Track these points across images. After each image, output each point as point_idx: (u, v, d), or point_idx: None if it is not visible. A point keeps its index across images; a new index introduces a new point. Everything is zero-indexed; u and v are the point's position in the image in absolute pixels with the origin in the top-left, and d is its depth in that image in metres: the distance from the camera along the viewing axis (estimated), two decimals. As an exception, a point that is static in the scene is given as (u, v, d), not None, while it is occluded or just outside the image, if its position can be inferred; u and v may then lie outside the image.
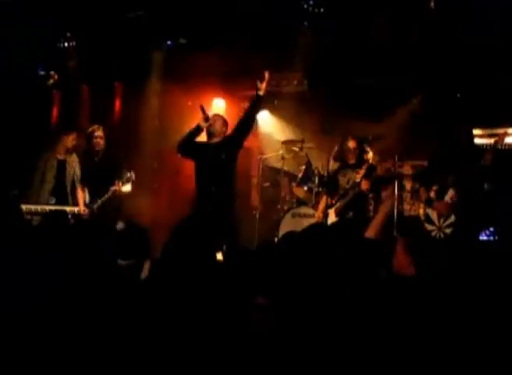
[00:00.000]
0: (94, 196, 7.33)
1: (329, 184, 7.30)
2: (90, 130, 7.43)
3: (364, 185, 6.76)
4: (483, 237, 6.40)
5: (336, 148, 7.23)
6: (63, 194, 7.87)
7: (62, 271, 2.65)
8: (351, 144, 7.09)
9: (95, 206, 7.27)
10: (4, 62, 9.49)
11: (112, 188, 7.17)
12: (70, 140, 7.99)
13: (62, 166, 7.99)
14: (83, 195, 7.56)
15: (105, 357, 2.24)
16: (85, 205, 7.44)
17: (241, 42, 8.67)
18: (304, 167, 8.63)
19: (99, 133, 7.39)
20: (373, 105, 8.67)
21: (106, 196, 7.21)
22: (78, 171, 7.88)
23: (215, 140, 6.31)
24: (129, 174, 7.23)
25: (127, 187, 7.28)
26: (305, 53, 8.47)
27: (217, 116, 6.55)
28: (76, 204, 7.58)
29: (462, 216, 5.62)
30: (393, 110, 8.59)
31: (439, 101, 8.31)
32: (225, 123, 6.41)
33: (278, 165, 8.93)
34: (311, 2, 8.05)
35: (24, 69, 9.96)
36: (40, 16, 8.95)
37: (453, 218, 5.67)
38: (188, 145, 6.33)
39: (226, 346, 2.54)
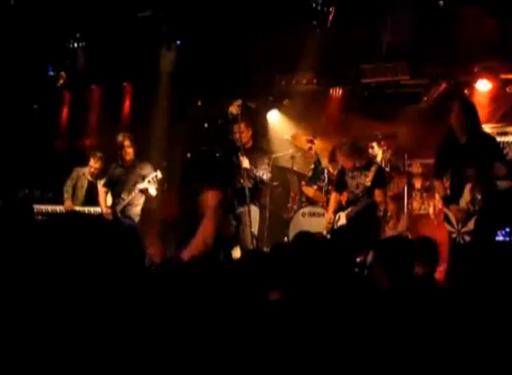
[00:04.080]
0: (117, 199, 7.36)
1: (338, 184, 7.24)
2: (119, 140, 7.49)
3: (378, 197, 6.62)
4: (499, 238, 6.33)
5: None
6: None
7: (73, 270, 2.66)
8: (344, 155, 6.93)
9: (119, 207, 7.28)
10: (14, 62, 9.55)
11: (139, 186, 7.16)
12: (95, 161, 8.12)
13: (91, 187, 8.17)
14: (105, 197, 7.63)
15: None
16: (108, 206, 7.52)
17: (249, 41, 8.66)
18: (313, 166, 8.62)
19: (127, 142, 7.46)
20: (383, 103, 8.65)
21: (132, 195, 7.21)
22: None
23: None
24: (154, 173, 7.22)
25: (152, 190, 7.27)
26: (314, 52, 8.46)
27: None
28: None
29: (481, 220, 5.50)
30: (403, 109, 8.56)
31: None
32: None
33: (287, 164, 8.92)
34: (320, 1, 8.03)
35: (34, 69, 10.01)
36: (49, 17, 8.99)
37: (470, 225, 5.50)
38: None
39: (237, 342, 2.54)
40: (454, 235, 5.54)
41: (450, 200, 5.67)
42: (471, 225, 5.46)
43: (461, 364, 2.55)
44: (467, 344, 2.61)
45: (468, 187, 5.49)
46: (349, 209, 6.76)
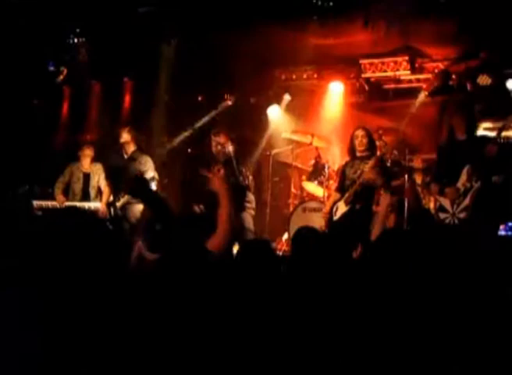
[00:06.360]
0: (117, 196, 7.41)
1: (341, 185, 7.21)
2: (119, 133, 7.73)
3: (368, 173, 6.63)
4: (501, 232, 6.35)
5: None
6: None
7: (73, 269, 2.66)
8: (360, 136, 6.98)
9: (119, 204, 7.32)
10: (14, 58, 9.53)
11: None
12: (89, 151, 8.16)
13: (87, 178, 8.16)
14: (108, 194, 7.68)
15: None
16: (108, 204, 7.57)
17: (252, 37, 8.64)
18: (313, 161, 8.59)
19: (127, 136, 7.67)
20: (383, 98, 8.65)
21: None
22: (102, 179, 8.03)
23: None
24: (152, 174, 7.31)
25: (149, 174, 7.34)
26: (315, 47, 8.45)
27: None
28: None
29: (479, 207, 5.55)
30: (404, 103, 8.56)
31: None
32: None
33: (288, 159, 8.91)
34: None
35: (34, 65, 10.00)
36: (49, 12, 8.97)
37: (466, 202, 5.58)
38: None
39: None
40: (448, 220, 5.64)
41: (445, 185, 5.76)
42: (467, 201, 5.56)
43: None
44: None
45: (465, 169, 5.59)
46: (346, 195, 6.78)
